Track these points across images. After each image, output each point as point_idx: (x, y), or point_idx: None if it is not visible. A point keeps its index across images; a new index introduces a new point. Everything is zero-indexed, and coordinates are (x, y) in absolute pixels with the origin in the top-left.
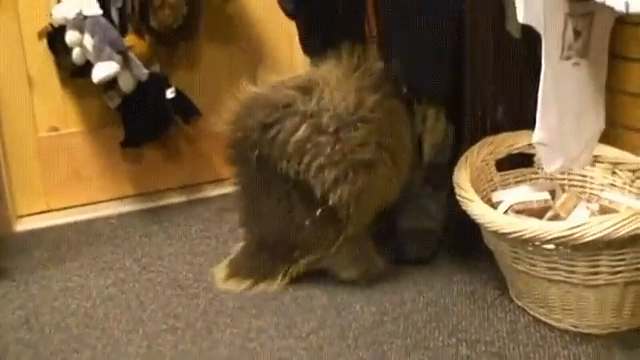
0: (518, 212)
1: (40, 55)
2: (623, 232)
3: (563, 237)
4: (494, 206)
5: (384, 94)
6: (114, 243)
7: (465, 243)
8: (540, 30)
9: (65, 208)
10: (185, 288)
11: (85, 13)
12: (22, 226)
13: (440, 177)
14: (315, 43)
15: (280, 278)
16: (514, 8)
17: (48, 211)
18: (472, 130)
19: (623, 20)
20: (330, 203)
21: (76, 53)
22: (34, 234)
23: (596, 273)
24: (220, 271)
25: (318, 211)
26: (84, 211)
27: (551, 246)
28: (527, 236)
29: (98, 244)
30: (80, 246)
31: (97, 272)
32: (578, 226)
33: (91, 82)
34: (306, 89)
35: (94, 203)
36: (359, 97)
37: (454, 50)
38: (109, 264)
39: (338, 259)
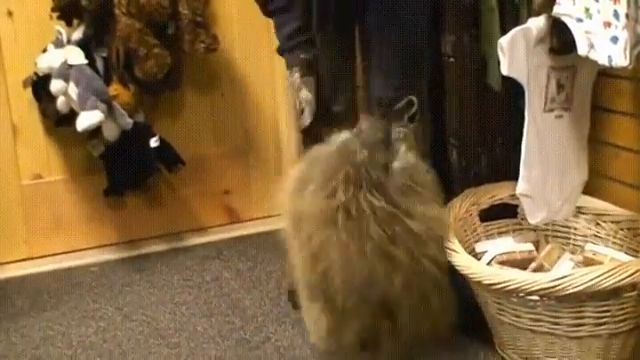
0: (502, 263)
1: (24, 104)
2: (607, 284)
3: (547, 288)
4: (477, 257)
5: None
6: (95, 291)
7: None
8: (523, 83)
9: (47, 256)
10: (167, 337)
11: (70, 62)
12: (3, 274)
13: None
14: None
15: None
16: (495, 62)
17: (30, 259)
18: (458, 181)
19: (606, 73)
20: None
21: (61, 102)
22: (15, 282)
23: (580, 325)
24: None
25: None
26: (66, 259)
27: (535, 297)
28: (511, 287)
29: (79, 292)
30: (61, 294)
31: (78, 321)
32: (562, 277)
33: (75, 130)
34: None
35: (76, 251)
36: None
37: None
38: (90, 313)
39: None
